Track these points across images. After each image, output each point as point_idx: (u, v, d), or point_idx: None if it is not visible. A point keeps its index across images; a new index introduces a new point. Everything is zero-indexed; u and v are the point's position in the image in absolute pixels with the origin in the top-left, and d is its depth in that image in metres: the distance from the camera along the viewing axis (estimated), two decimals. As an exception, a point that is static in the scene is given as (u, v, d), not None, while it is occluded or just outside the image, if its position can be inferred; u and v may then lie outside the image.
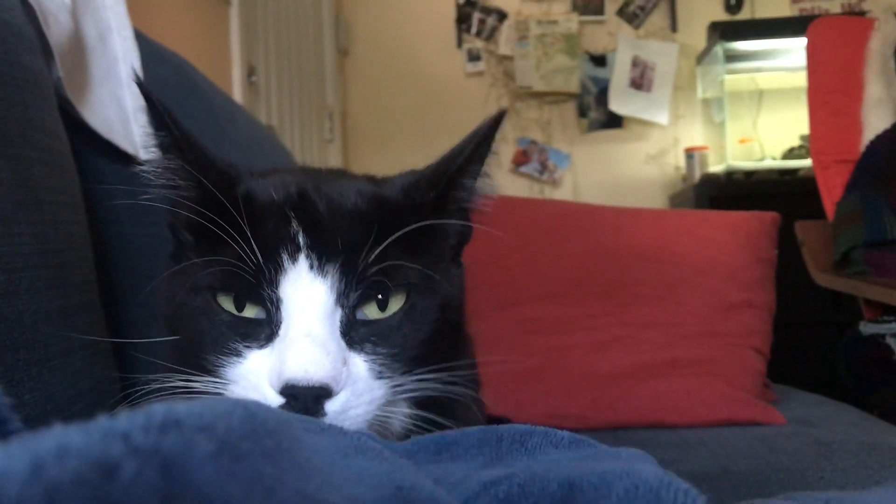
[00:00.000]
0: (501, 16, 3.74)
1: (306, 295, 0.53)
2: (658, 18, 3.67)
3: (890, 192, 1.75)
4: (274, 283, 0.53)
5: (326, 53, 3.60)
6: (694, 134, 3.58)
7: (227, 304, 0.55)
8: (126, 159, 0.94)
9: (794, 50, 2.98)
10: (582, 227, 1.45)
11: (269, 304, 0.54)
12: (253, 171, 0.64)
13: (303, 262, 0.53)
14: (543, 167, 3.66)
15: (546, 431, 0.49)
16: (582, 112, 3.69)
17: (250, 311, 0.55)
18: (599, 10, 3.70)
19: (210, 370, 0.55)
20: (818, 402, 1.33)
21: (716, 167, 3.26)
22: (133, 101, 0.96)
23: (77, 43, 0.88)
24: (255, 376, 0.53)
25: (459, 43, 3.77)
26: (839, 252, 1.80)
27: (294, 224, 0.54)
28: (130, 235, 0.94)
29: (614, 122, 3.67)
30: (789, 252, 1.75)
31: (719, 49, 3.25)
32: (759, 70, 3.41)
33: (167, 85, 1.07)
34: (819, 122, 2.04)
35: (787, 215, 1.60)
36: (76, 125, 0.84)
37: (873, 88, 1.95)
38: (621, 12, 3.69)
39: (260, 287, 0.53)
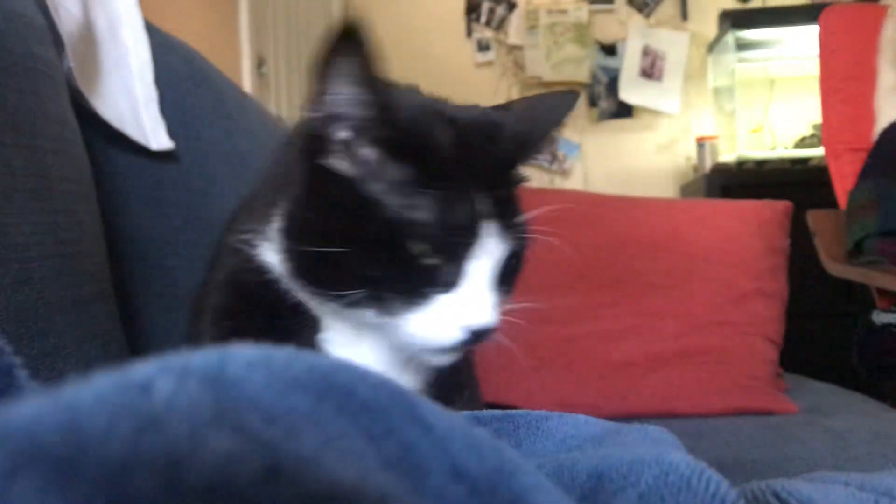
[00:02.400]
0: (511, 5, 3.73)
1: (488, 250, 0.60)
2: (668, 7, 3.65)
3: (904, 180, 1.74)
4: (469, 241, 0.59)
5: (336, 44, 3.60)
6: (705, 123, 3.56)
7: (420, 249, 0.58)
8: (137, 149, 0.94)
9: (806, 38, 2.96)
10: (592, 217, 1.44)
11: (457, 257, 0.59)
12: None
13: (492, 223, 0.59)
14: (553, 157, 3.64)
15: (561, 415, 0.50)
16: (592, 102, 3.68)
17: (434, 259, 0.59)
18: (610, 0, 3.68)
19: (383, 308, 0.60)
20: (831, 391, 1.33)
21: (727, 156, 3.25)
22: (144, 91, 0.96)
23: (87, 33, 0.88)
24: (438, 318, 0.59)
25: (469, 33, 3.76)
26: (852, 241, 1.79)
27: (484, 187, 0.59)
28: (142, 226, 0.94)
29: (625, 111, 3.65)
30: (801, 241, 1.74)
31: (730, 37, 3.23)
32: (770, 59, 3.39)
33: (177, 75, 1.07)
34: (831, 110, 2.03)
35: (800, 204, 1.60)
36: (87, 115, 0.85)
37: (887, 76, 1.93)
38: (631, 1, 3.67)
39: (455, 242, 0.58)
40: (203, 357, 0.25)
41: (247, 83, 2.52)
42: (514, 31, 3.71)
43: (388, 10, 3.79)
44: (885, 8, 2.04)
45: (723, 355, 1.26)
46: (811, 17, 2.24)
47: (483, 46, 3.75)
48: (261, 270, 0.64)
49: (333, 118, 0.59)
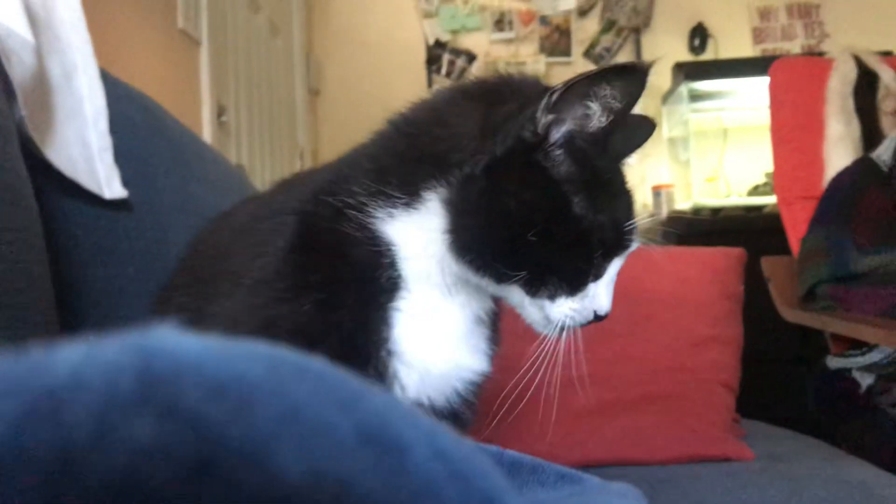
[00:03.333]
0: (471, 57, 3.79)
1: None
2: (624, 59, 3.73)
3: (853, 227, 1.78)
4: (630, 243, 0.71)
5: (297, 93, 3.62)
6: (661, 172, 3.62)
7: (599, 246, 0.68)
8: (90, 198, 0.93)
9: (757, 89, 3.04)
10: (551, 264, 1.45)
11: (614, 255, 0.70)
12: None
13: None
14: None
15: (534, 466, 0.51)
16: (551, 151, 3.72)
17: (603, 256, 0.69)
18: (566, 52, 3.76)
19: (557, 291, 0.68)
20: (787, 437, 1.33)
21: (683, 204, 3.30)
22: (98, 139, 0.95)
23: (42, 82, 0.87)
24: (588, 302, 0.70)
25: (430, 83, 3.81)
26: (805, 287, 1.82)
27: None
28: (94, 275, 0.93)
29: (583, 160, 3.70)
30: (756, 287, 1.76)
31: (684, 89, 3.31)
32: (723, 109, 3.47)
33: (134, 124, 1.07)
34: (782, 159, 2.08)
35: (754, 251, 1.62)
36: (40, 164, 0.84)
37: (834, 127, 1.99)
38: (588, 54, 3.75)
39: (624, 242, 0.70)
40: (132, 329, 0.21)
41: (207, 132, 2.51)
42: (474, 81, 3.76)
43: (349, 61, 3.83)
44: (830, 61, 2.11)
45: (680, 402, 1.27)
46: (761, 69, 2.30)
47: (443, 96, 3.79)
48: (355, 232, 0.67)
49: (565, 124, 0.65)
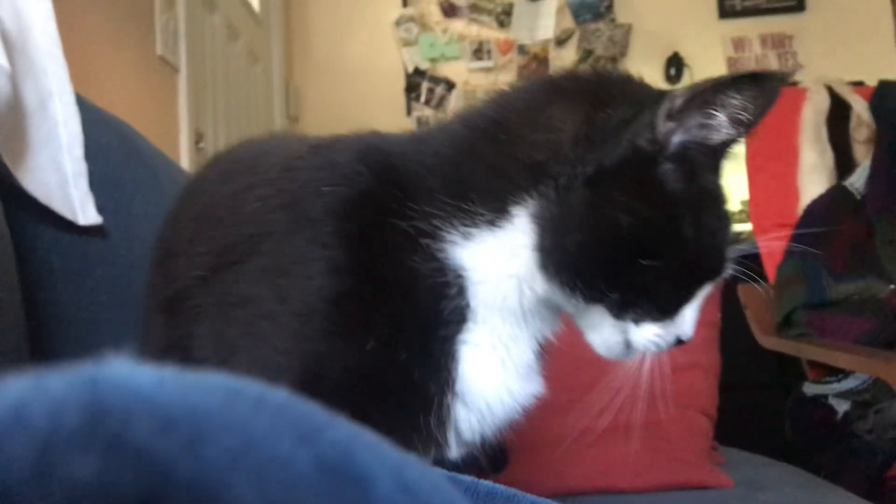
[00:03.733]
0: (450, 85, 3.81)
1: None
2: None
3: (827, 255, 1.80)
4: (726, 269, 0.65)
5: (276, 120, 3.62)
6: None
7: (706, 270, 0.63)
8: (64, 224, 0.92)
9: (732, 119, 3.07)
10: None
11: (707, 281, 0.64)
12: None
13: None
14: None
15: (508, 497, 0.50)
16: (529, 178, 3.74)
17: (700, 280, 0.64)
18: (545, 80, 3.79)
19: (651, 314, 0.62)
20: (765, 463, 1.33)
21: (661, 232, 3.32)
22: (73, 165, 0.95)
23: (16, 107, 0.87)
24: (674, 327, 0.64)
25: (409, 111, 3.83)
26: (781, 314, 1.83)
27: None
28: (68, 302, 0.92)
29: (561, 188, 3.72)
30: (733, 315, 1.77)
31: (661, 118, 3.34)
32: (699, 138, 3.50)
33: (110, 150, 1.06)
34: (758, 187, 2.10)
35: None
36: (12, 189, 0.83)
37: (808, 155, 2.02)
38: (566, 82, 3.79)
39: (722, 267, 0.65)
40: (84, 361, 0.20)
41: (184, 158, 2.50)
42: (453, 110, 3.79)
43: (329, 88, 3.84)
44: (804, 91, 2.15)
45: (658, 429, 1.26)
46: (736, 99, 2.33)
47: (423, 124, 3.81)
48: (425, 263, 0.60)
49: (685, 134, 0.59)
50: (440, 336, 0.61)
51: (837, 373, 1.72)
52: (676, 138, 0.59)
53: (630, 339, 0.64)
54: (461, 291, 0.61)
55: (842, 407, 1.71)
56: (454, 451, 0.64)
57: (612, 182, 0.58)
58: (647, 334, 0.63)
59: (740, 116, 0.59)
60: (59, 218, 0.91)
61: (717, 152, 0.62)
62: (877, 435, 1.62)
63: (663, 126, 0.58)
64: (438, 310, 0.60)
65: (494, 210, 0.60)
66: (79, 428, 0.17)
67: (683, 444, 1.25)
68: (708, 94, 0.57)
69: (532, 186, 0.59)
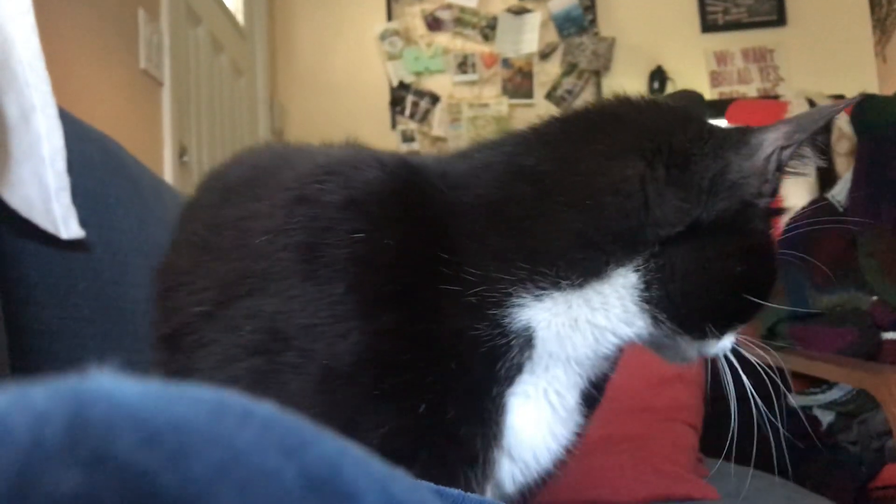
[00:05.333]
0: (434, 99, 3.82)
1: None
2: (585, 102, 3.79)
3: (810, 267, 1.81)
4: None
5: (261, 134, 3.61)
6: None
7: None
8: (46, 238, 0.91)
9: (715, 132, 3.09)
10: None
11: None
12: None
13: None
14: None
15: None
16: (514, 191, 3.75)
17: None
18: (529, 94, 3.81)
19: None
20: (751, 475, 1.34)
21: (645, 244, 3.34)
22: (55, 179, 0.94)
23: (-2, 121, 0.86)
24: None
25: (394, 124, 3.83)
26: (765, 326, 1.84)
27: None
28: (51, 317, 0.91)
29: (546, 201, 3.74)
30: (717, 326, 1.78)
31: (644, 131, 3.36)
32: (683, 151, 3.52)
33: (93, 164, 1.06)
34: (741, 200, 2.11)
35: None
36: (-6, 204, 0.82)
37: (790, 168, 2.03)
38: (549, 96, 3.81)
39: None
40: (69, 370, 0.20)
41: (168, 172, 2.49)
42: (438, 123, 3.80)
43: (313, 102, 3.84)
44: (785, 104, 2.17)
45: (644, 442, 1.26)
46: (719, 111, 2.35)
47: (408, 138, 3.81)
48: (487, 330, 0.56)
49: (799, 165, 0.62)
50: (494, 391, 0.58)
51: (821, 384, 1.73)
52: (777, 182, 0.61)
53: (703, 351, 0.66)
54: (523, 349, 0.58)
55: (826, 418, 1.72)
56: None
57: (716, 235, 0.58)
58: (725, 343, 0.66)
59: (822, 146, 0.62)
60: (42, 232, 0.90)
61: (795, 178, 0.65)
62: (861, 445, 1.63)
63: (773, 178, 0.59)
64: (495, 370, 0.57)
65: (587, 273, 0.57)
66: (61, 441, 0.17)
67: (670, 456, 1.25)
68: (811, 139, 0.60)
69: (628, 250, 0.57)
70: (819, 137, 0.60)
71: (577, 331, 0.59)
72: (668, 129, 0.60)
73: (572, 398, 0.64)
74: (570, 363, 0.61)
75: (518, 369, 0.58)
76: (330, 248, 0.56)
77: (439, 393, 0.55)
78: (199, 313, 0.60)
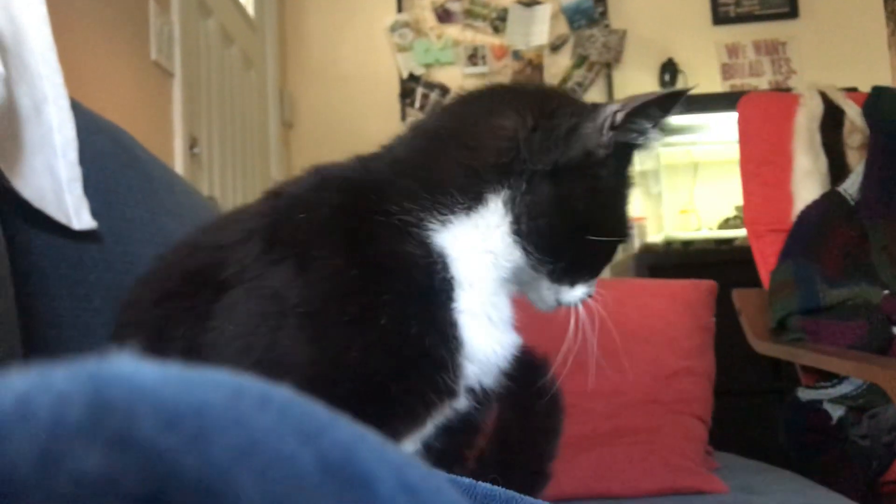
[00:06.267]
0: (444, 91, 3.81)
1: None
2: (595, 94, 3.78)
3: (821, 260, 1.81)
4: None
5: (271, 125, 3.62)
6: (632, 205, 3.64)
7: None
8: (58, 229, 0.91)
9: (726, 124, 3.08)
10: (524, 296, 1.45)
11: None
12: None
13: None
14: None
15: (507, 499, 0.52)
16: (524, 184, 3.75)
17: None
18: (539, 86, 3.80)
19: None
20: (760, 469, 1.34)
21: (654, 237, 3.33)
22: (67, 170, 0.94)
23: (11, 112, 0.86)
24: (590, 287, 0.81)
25: (404, 117, 3.83)
26: (775, 319, 1.83)
27: None
28: (63, 307, 0.91)
29: (556, 193, 3.73)
30: (728, 320, 1.77)
31: (655, 123, 3.34)
32: (693, 143, 3.51)
33: (104, 155, 1.06)
34: (752, 193, 2.10)
35: (725, 283, 1.63)
36: (6, 193, 0.82)
37: (801, 161, 2.02)
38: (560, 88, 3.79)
39: None
40: (85, 356, 0.20)
41: (179, 163, 2.50)
42: (448, 114, 3.79)
43: (323, 94, 3.84)
44: (797, 96, 2.15)
45: (653, 435, 1.26)
46: (730, 104, 2.34)
47: (417, 129, 3.80)
48: (415, 249, 0.70)
49: (622, 137, 0.74)
50: (439, 306, 0.70)
51: (832, 378, 1.72)
52: (616, 140, 0.74)
53: (560, 298, 0.78)
54: (446, 267, 0.71)
55: (836, 412, 1.71)
56: (462, 400, 0.74)
57: (567, 177, 0.72)
58: (577, 293, 0.78)
59: (659, 122, 0.75)
60: (54, 223, 0.90)
61: (639, 150, 0.77)
62: (871, 440, 1.62)
63: (607, 134, 0.73)
64: (431, 284, 0.70)
65: (471, 199, 0.72)
66: (83, 422, 0.17)
67: (679, 449, 1.25)
68: (642, 109, 0.73)
69: (502, 180, 0.72)
70: (652, 111, 0.73)
71: (477, 253, 0.72)
72: (541, 97, 0.77)
73: (504, 312, 0.76)
74: (489, 283, 0.74)
75: (450, 284, 0.71)
76: (284, 229, 0.72)
77: (398, 308, 0.68)
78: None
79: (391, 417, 0.69)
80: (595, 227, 0.73)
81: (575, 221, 0.73)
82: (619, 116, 0.73)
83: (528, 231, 0.72)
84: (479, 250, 0.73)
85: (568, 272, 0.76)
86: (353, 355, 0.66)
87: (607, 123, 0.73)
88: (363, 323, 0.67)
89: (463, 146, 0.74)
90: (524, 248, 0.72)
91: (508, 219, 0.72)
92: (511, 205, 0.72)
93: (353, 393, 0.66)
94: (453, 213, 0.71)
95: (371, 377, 0.66)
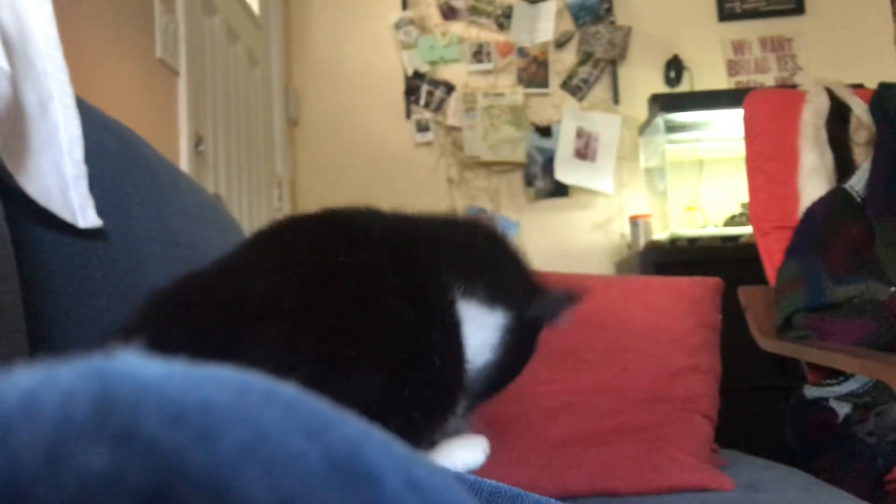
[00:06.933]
0: (449, 88, 3.81)
1: None
2: (601, 91, 3.77)
3: (827, 257, 1.80)
4: None
5: (276, 123, 3.62)
6: (638, 202, 3.65)
7: None
8: (64, 227, 0.92)
9: (731, 121, 3.08)
10: (529, 293, 1.45)
11: None
12: None
13: None
14: (492, 235, 3.68)
15: (512, 496, 0.52)
16: (529, 181, 3.75)
17: None
18: (544, 84, 3.79)
19: None
20: (766, 466, 1.33)
21: (660, 234, 3.32)
22: (73, 168, 0.94)
23: (16, 110, 0.87)
24: None
25: (408, 114, 3.82)
26: (781, 317, 1.83)
27: None
28: (69, 305, 0.91)
29: (561, 190, 3.73)
30: (733, 317, 1.77)
31: (660, 120, 3.34)
32: (699, 140, 3.51)
33: (110, 153, 1.06)
34: (757, 190, 2.10)
35: (731, 281, 1.63)
36: (11, 191, 0.83)
37: (807, 158, 2.01)
38: (565, 85, 3.79)
39: None
40: (93, 353, 0.20)
41: (184, 161, 2.50)
42: (453, 112, 3.79)
43: (328, 91, 3.84)
44: (803, 93, 2.14)
45: (659, 432, 1.26)
46: (736, 101, 2.33)
47: (422, 127, 3.81)
48: None
49: None
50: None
51: (838, 375, 1.72)
52: None
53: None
54: None
55: (843, 410, 1.71)
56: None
57: None
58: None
59: None
60: (59, 221, 0.90)
61: None
62: (878, 437, 1.62)
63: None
64: None
65: None
66: (90, 418, 0.17)
67: (684, 446, 1.25)
68: None
69: None
70: None
71: None
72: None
73: None
74: None
75: None
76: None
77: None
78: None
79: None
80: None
81: None
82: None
83: None
84: None
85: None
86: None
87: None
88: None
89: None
90: None
91: None
92: None
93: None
94: None
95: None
